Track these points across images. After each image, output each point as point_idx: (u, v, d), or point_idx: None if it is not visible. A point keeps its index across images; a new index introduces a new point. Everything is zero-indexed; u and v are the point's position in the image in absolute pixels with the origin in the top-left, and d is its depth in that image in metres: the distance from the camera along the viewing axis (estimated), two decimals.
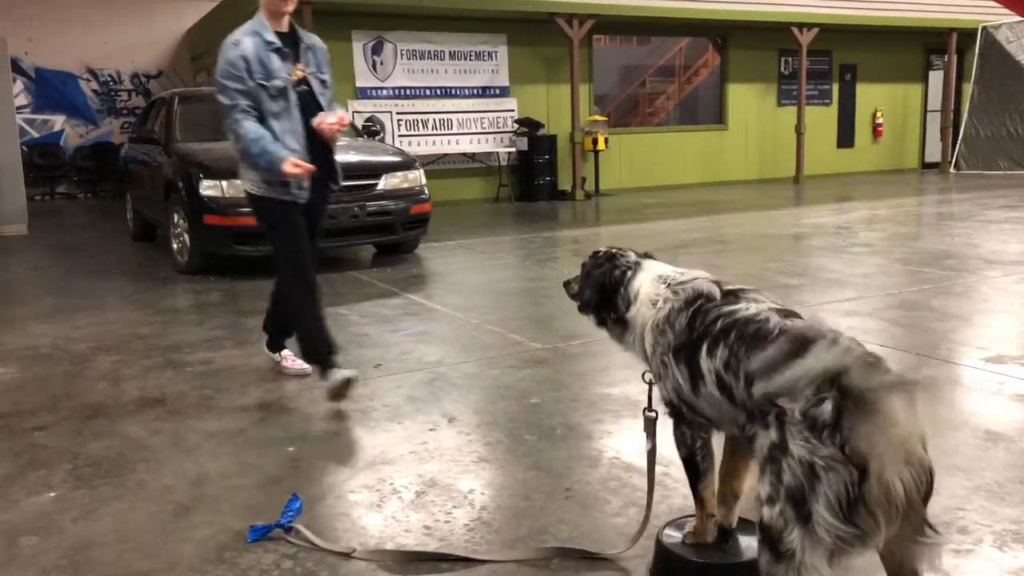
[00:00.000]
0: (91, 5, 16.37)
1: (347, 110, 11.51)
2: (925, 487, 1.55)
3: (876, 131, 17.70)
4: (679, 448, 2.10)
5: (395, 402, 3.63)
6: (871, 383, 1.48)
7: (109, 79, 17.04)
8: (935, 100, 17.82)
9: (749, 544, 2.06)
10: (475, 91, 13.41)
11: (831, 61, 16.84)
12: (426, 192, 7.68)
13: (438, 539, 2.43)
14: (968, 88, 16.98)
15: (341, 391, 3.54)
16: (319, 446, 3.21)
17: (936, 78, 17.93)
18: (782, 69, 16.41)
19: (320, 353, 3.65)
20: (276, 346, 4.13)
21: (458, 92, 13.28)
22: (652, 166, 15.18)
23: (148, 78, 17.34)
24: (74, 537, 2.49)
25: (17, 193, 10.55)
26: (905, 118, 18.05)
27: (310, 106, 3.58)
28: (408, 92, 12.92)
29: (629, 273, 2.15)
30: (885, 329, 4.66)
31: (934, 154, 17.93)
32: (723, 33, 15.68)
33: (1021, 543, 2.27)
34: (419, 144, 12.65)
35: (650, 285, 2.09)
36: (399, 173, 7.49)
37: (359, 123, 9.79)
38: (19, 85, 15.56)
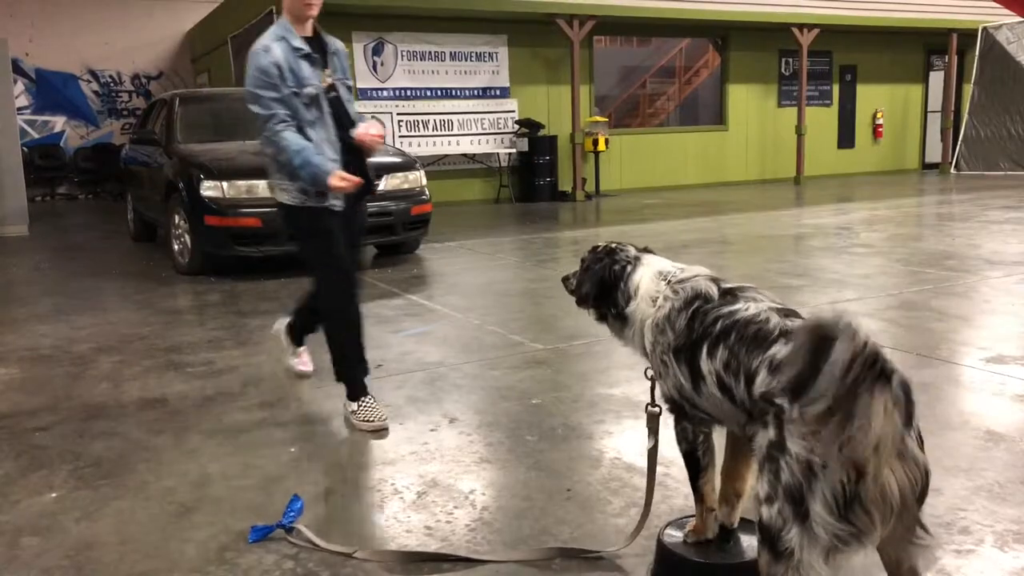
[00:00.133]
0: (92, 7, 16.39)
1: None
2: (920, 487, 1.56)
3: (876, 132, 17.71)
4: (680, 443, 2.10)
5: (396, 402, 3.63)
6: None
7: (110, 80, 17.06)
8: (935, 101, 17.83)
9: (750, 544, 2.07)
10: (476, 92, 13.42)
11: (831, 62, 16.84)
12: (427, 193, 7.69)
13: (439, 539, 2.43)
14: (968, 89, 16.97)
15: (368, 428, 3.34)
16: (320, 446, 3.21)
17: (936, 79, 17.94)
18: (782, 70, 16.42)
19: (356, 379, 3.45)
20: (300, 340, 3.92)
21: (459, 93, 13.29)
22: (652, 167, 15.19)
23: (149, 79, 17.37)
24: (75, 538, 2.49)
25: (18, 194, 10.57)
26: (905, 119, 18.05)
27: (340, 114, 3.41)
28: (409, 93, 12.93)
29: (629, 268, 2.15)
30: (886, 329, 4.66)
31: (934, 155, 17.93)
32: (723, 34, 15.69)
33: (1022, 543, 2.26)
34: (420, 145, 12.66)
35: (650, 281, 2.09)
36: (400, 174, 7.50)
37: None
38: (20, 86, 15.59)
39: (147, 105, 10.52)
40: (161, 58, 17.48)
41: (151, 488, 2.84)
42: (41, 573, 2.29)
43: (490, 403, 3.63)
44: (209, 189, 6.84)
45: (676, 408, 2.05)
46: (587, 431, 3.27)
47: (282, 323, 3.89)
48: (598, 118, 14.31)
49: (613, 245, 2.25)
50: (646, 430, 2.25)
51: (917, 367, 3.83)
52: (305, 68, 3.29)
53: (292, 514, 2.49)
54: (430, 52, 13.03)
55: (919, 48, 17.59)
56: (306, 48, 3.34)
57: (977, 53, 16.50)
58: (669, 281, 2.05)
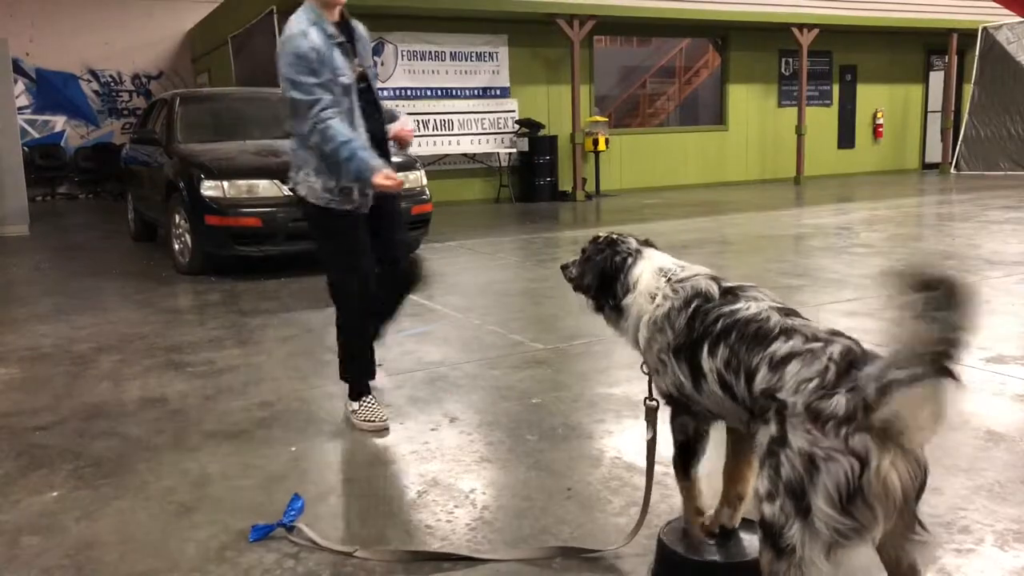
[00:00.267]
0: (92, 6, 16.39)
1: None
2: (919, 484, 1.56)
3: (876, 132, 17.71)
4: (676, 433, 2.10)
5: (397, 402, 3.63)
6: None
7: (110, 80, 17.07)
8: (935, 101, 17.83)
9: (751, 543, 2.07)
10: (476, 92, 13.42)
11: (831, 62, 16.84)
12: (427, 193, 7.69)
13: (440, 538, 2.43)
14: (968, 89, 16.98)
15: (369, 428, 3.31)
16: (321, 445, 3.21)
17: (936, 79, 17.94)
18: (782, 70, 16.42)
19: (361, 379, 3.42)
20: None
21: (459, 93, 13.29)
22: (653, 167, 15.19)
23: (149, 79, 17.37)
24: (76, 537, 2.49)
25: (18, 194, 10.57)
26: (905, 119, 18.05)
27: (369, 104, 3.27)
28: (409, 93, 12.93)
29: (630, 260, 2.16)
30: (886, 329, 4.66)
31: (934, 155, 17.94)
32: (723, 34, 15.69)
33: (1022, 543, 2.27)
34: (420, 145, 12.65)
35: (650, 277, 2.09)
36: (400, 174, 7.48)
37: None
38: (20, 86, 15.59)
39: (147, 105, 10.53)
40: (161, 58, 17.48)
41: (151, 487, 2.84)
42: (41, 572, 2.30)
43: (490, 403, 3.63)
44: (209, 189, 6.84)
45: (674, 403, 2.05)
46: (587, 430, 3.27)
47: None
48: (598, 118, 14.31)
49: (614, 236, 2.25)
50: (645, 424, 2.25)
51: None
52: (338, 57, 3.14)
53: (293, 513, 2.49)
54: (430, 52, 13.03)
55: (919, 48, 17.59)
56: (339, 36, 3.18)
57: (977, 53, 16.50)
58: (669, 279, 2.04)
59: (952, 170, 16.75)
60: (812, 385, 1.58)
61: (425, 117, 12.97)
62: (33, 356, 4.67)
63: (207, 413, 3.61)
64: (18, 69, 14.92)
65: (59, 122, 16.75)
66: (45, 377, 4.25)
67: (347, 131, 3.06)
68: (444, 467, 2.94)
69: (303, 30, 3.07)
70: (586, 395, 3.70)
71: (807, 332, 1.71)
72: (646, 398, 2.20)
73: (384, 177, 3.02)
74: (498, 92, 13.63)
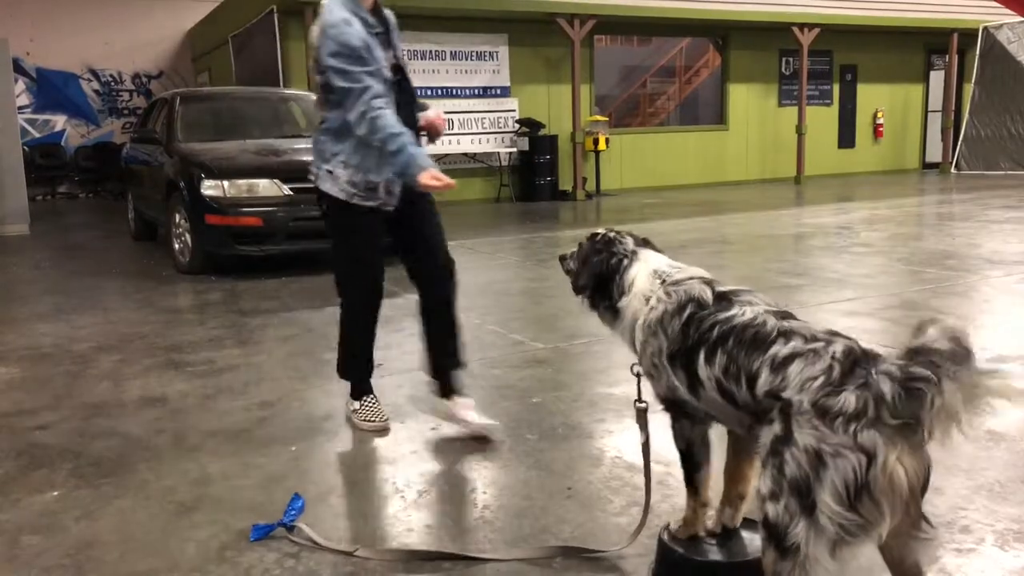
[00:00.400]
0: (92, 6, 16.40)
1: None
2: (924, 480, 1.57)
3: (877, 131, 17.71)
4: (677, 441, 2.10)
5: (397, 401, 3.63)
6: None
7: (110, 79, 17.07)
8: (936, 100, 17.83)
9: (752, 542, 2.07)
10: (476, 91, 13.42)
11: (832, 61, 16.84)
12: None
13: (440, 538, 2.43)
14: (969, 88, 16.98)
15: (369, 428, 3.29)
16: (321, 445, 3.21)
17: (937, 78, 17.94)
18: (783, 69, 16.41)
19: (361, 379, 3.40)
20: (448, 389, 3.31)
21: (459, 92, 13.29)
22: (653, 166, 15.19)
23: (149, 78, 17.38)
24: (76, 536, 2.49)
25: (19, 193, 10.57)
26: (906, 118, 18.05)
27: (404, 96, 3.11)
28: None
29: (625, 262, 2.16)
30: (886, 329, 4.66)
31: (935, 154, 17.94)
32: (724, 33, 15.69)
33: (1023, 542, 2.27)
34: (420, 144, 12.64)
35: (645, 279, 2.09)
36: None
37: None
38: (21, 85, 15.59)
39: (148, 104, 10.53)
40: (162, 57, 17.48)
41: (152, 487, 2.84)
42: (41, 572, 2.30)
43: (491, 402, 3.63)
44: (210, 188, 6.84)
45: (671, 407, 2.05)
46: (588, 430, 3.27)
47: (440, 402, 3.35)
48: (598, 117, 14.31)
49: (611, 235, 2.25)
50: (637, 427, 2.25)
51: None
52: (378, 49, 2.99)
53: (293, 513, 2.49)
54: (430, 51, 13.03)
55: (920, 48, 17.59)
56: (379, 27, 3.05)
57: (978, 53, 16.50)
58: (664, 281, 2.05)
59: (952, 170, 16.75)
60: (818, 383, 1.59)
61: None
62: (33, 355, 4.67)
63: (207, 413, 3.61)
64: (18, 68, 14.93)
65: (59, 121, 16.76)
66: (45, 376, 4.25)
67: (397, 123, 2.91)
68: (444, 466, 2.94)
69: (346, 18, 2.92)
70: (586, 394, 3.70)
71: (806, 333, 1.71)
72: (635, 400, 2.21)
73: (431, 177, 2.86)
74: (498, 91, 13.63)
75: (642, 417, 2.21)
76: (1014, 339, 4.44)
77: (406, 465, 2.97)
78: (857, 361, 1.59)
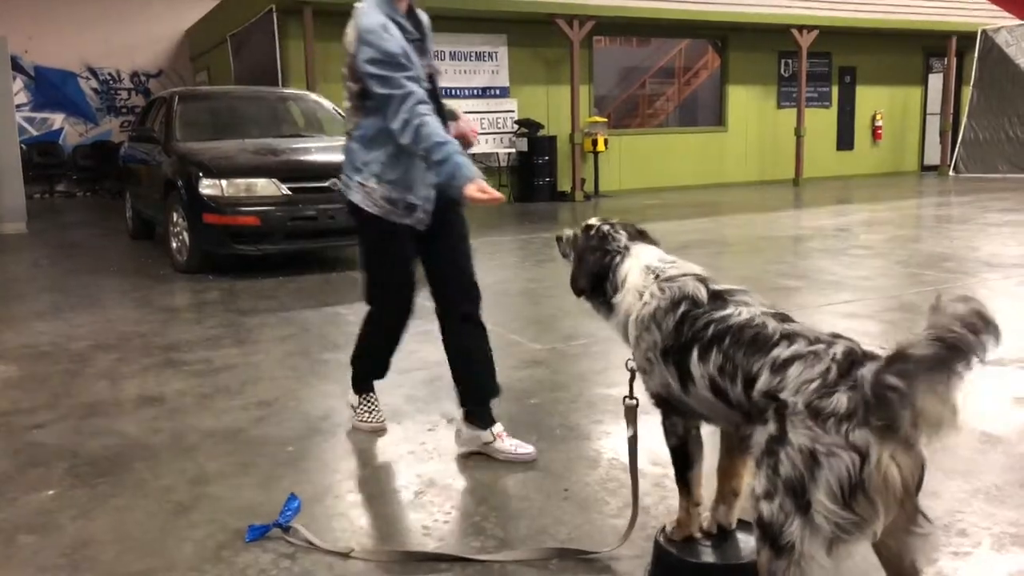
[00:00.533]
0: (91, 4, 16.37)
1: None
2: (918, 477, 1.58)
3: (875, 134, 17.72)
4: (668, 438, 2.11)
5: (394, 402, 3.63)
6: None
7: (109, 78, 17.05)
8: (934, 103, 17.85)
9: (747, 544, 2.07)
10: (475, 92, 13.41)
11: (831, 63, 16.85)
12: None
13: (436, 539, 2.43)
14: (967, 91, 17.00)
15: (365, 428, 3.27)
16: (318, 446, 3.21)
17: (935, 81, 17.96)
18: (782, 71, 16.43)
19: (367, 375, 3.31)
20: (484, 421, 3.04)
21: (458, 92, 13.27)
22: (652, 167, 15.19)
23: (148, 77, 17.36)
24: (72, 536, 2.49)
25: (16, 191, 10.56)
26: (904, 121, 18.07)
27: (434, 106, 2.90)
28: None
29: (618, 259, 2.17)
30: (885, 331, 4.66)
31: (933, 157, 17.95)
32: (723, 35, 15.70)
33: (1020, 545, 2.27)
34: None
35: (638, 275, 2.10)
36: None
37: None
38: (19, 83, 15.56)
39: (146, 103, 10.52)
40: (160, 56, 17.47)
41: (148, 486, 2.83)
42: (37, 571, 2.29)
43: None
44: (208, 187, 6.83)
45: (663, 403, 2.06)
46: (585, 431, 3.27)
47: (460, 425, 3.10)
48: (597, 118, 14.31)
49: (605, 230, 2.26)
50: (625, 423, 2.26)
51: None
52: (414, 55, 2.85)
53: (289, 513, 2.49)
54: None
55: (918, 50, 17.61)
56: (415, 33, 2.91)
57: (976, 56, 16.52)
58: (658, 276, 2.05)
59: (951, 172, 16.77)
60: (814, 385, 1.60)
61: None
62: (31, 354, 4.66)
63: (204, 412, 3.60)
64: (17, 66, 14.90)
65: (57, 120, 16.74)
66: (43, 375, 4.24)
67: (443, 131, 2.74)
68: (441, 467, 2.93)
69: (383, 23, 2.77)
70: (584, 396, 3.70)
71: (810, 335, 1.72)
72: (625, 396, 2.21)
73: (478, 189, 2.65)
74: (497, 92, 13.63)
75: (631, 413, 2.21)
76: (1012, 342, 4.44)
77: (403, 466, 2.97)
78: (855, 363, 1.60)
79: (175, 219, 7.33)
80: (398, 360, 4.26)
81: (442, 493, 2.73)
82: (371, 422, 3.28)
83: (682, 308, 1.94)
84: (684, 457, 2.11)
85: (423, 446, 3.13)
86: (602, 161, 14.26)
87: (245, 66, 13.37)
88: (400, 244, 2.96)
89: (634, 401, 2.19)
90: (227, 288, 6.52)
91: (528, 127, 13.40)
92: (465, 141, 3.05)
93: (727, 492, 2.14)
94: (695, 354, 1.87)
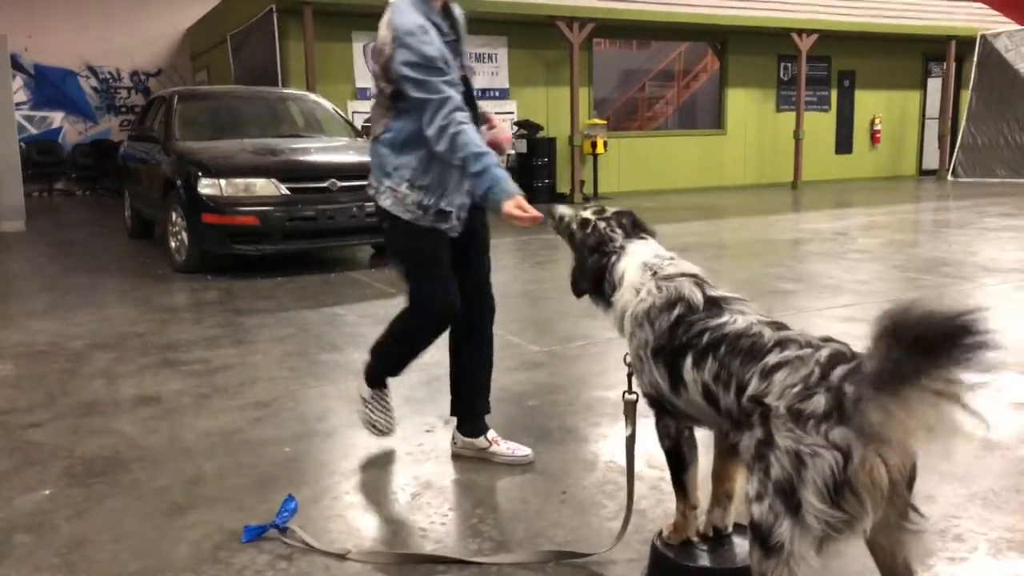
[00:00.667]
0: (91, 2, 16.37)
1: (347, 111, 11.51)
2: (908, 472, 1.60)
3: (874, 138, 17.74)
4: (662, 440, 2.11)
5: (392, 403, 3.62)
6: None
7: (109, 76, 17.04)
8: (933, 107, 17.87)
9: (743, 548, 2.06)
10: (475, 93, 13.36)
11: (830, 67, 16.87)
12: None
13: (434, 541, 2.42)
14: (966, 96, 17.02)
15: (372, 432, 3.09)
16: (315, 447, 3.20)
17: (934, 85, 17.98)
18: (781, 75, 16.44)
19: (384, 369, 3.08)
20: (477, 431, 3.03)
21: None
22: (651, 170, 15.20)
23: (148, 76, 17.35)
24: (68, 535, 2.48)
25: (15, 190, 10.55)
26: (903, 125, 18.09)
27: (468, 108, 2.78)
28: None
29: (614, 259, 2.17)
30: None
31: (932, 161, 17.97)
32: (723, 38, 15.71)
33: (1016, 551, 2.27)
34: None
35: (635, 272, 2.10)
36: None
37: (358, 124, 9.80)
38: (18, 81, 15.55)
39: (146, 102, 10.52)
40: (160, 55, 17.46)
41: (144, 486, 2.83)
42: (33, 571, 2.29)
43: None
44: (207, 187, 6.83)
45: (655, 404, 2.06)
46: (583, 434, 3.27)
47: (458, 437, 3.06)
48: (597, 120, 14.31)
49: (602, 227, 2.23)
50: (624, 420, 2.25)
51: None
52: (451, 58, 2.73)
53: (286, 514, 2.48)
54: None
55: (917, 55, 17.63)
56: (451, 34, 2.77)
57: (975, 60, 16.54)
58: (655, 273, 2.06)
59: (949, 177, 16.79)
60: (796, 389, 1.62)
61: None
62: (28, 352, 4.66)
63: (201, 412, 3.60)
64: (16, 64, 14.88)
65: (57, 118, 16.72)
66: (39, 374, 4.24)
67: (480, 141, 2.63)
68: (439, 469, 2.93)
69: (421, 25, 2.63)
70: (582, 398, 3.69)
71: (801, 340, 1.73)
72: (624, 392, 2.21)
73: (516, 206, 2.50)
74: (497, 94, 13.63)
75: (630, 409, 2.22)
76: (1010, 346, 4.45)
77: (400, 467, 2.97)
78: (836, 364, 1.61)
79: (174, 218, 7.32)
80: None
81: (439, 495, 2.73)
82: (377, 427, 3.06)
83: (677, 311, 1.95)
84: (678, 459, 2.12)
85: (420, 447, 3.13)
86: (601, 163, 14.26)
87: (245, 66, 13.37)
88: (435, 243, 2.82)
89: (633, 396, 2.19)
90: (225, 288, 6.52)
91: (527, 129, 13.39)
92: (498, 148, 2.94)
93: (721, 495, 2.15)
94: (689, 360, 1.88)
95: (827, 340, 1.72)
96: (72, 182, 16.74)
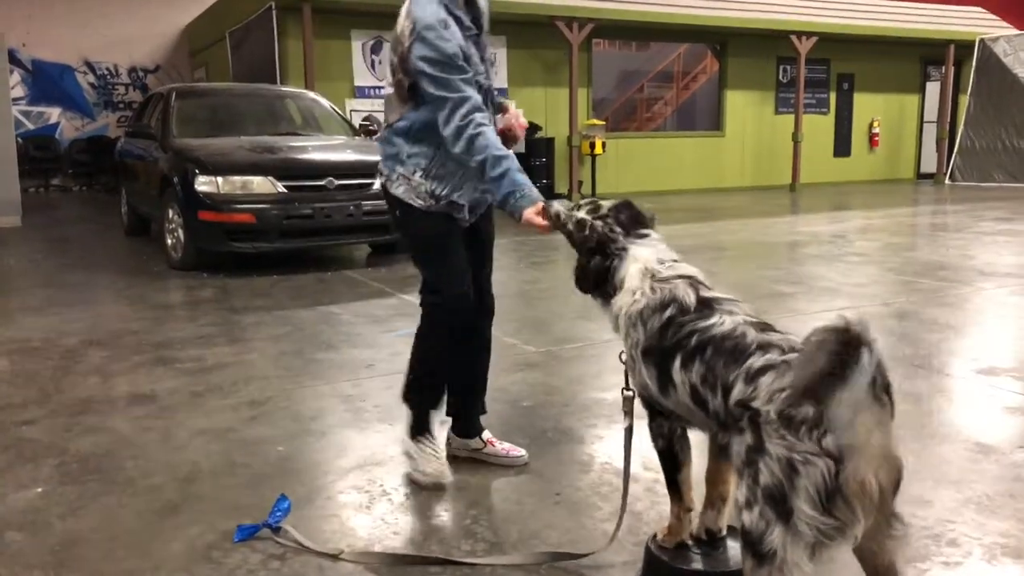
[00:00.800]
0: None
1: (345, 109, 11.50)
2: (895, 480, 1.60)
3: (872, 141, 17.77)
4: (655, 440, 2.11)
5: (386, 403, 3.61)
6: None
7: (106, 72, 17.01)
8: (931, 111, 17.90)
9: (738, 552, 2.06)
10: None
11: (829, 70, 16.89)
12: None
13: (427, 542, 2.41)
14: (964, 100, 17.05)
15: (424, 481, 2.79)
16: (309, 446, 3.20)
17: (933, 89, 18.01)
18: (780, 77, 16.46)
19: (425, 410, 2.88)
20: (471, 431, 3.00)
21: None
22: (649, 171, 15.21)
23: (146, 72, 17.32)
24: (60, 533, 2.47)
25: (11, 185, 10.52)
26: (901, 128, 18.12)
27: (485, 103, 2.69)
28: None
29: (616, 261, 2.14)
30: (878, 339, 4.66)
31: (929, 165, 18.00)
32: (722, 40, 15.72)
33: (1010, 556, 2.26)
34: None
35: (634, 276, 2.09)
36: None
37: (357, 122, 9.78)
38: (16, 76, 15.51)
39: (143, 99, 10.50)
40: (158, 51, 17.43)
41: (138, 485, 2.82)
42: (24, 568, 2.27)
43: None
44: (204, 184, 6.82)
45: (647, 404, 2.07)
46: (578, 435, 3.26)
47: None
48: (595, 121, 14.31)
49: (600, 227, 2.19)
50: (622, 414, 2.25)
51: (909, 377, 3.83)
52: (473, 51, 2.64)
53: (279, 514, 2.47)
54: None
55: (916, 58, 17.66)
56: (472, 28, 2.66)
57: (974, 65, 16.58)
58: (654, 276, 2.05)
59: (946, 181, 16.82)
60: (785, 394, 1.62)
61: None
62: (22, 349, 4.64)
63: (196, 411, 3.59)
64: (14, 59, 14.85)
65: (54, 114, 16.69)
66: (33, 371, 4.22)
67: (500, 144, 2.54)
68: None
69: (443, 19, 2.54)
70: (578, 399, 3.69)
71: (784, 345, 1.74)
72: (623, 388, 2.21)
73: (537, 214, 2.41)
74: (496, 93, 13.58)
75: (628, 404, 2.21)
76: (1005, 351, 4.45)
77: (394, 468, 2.96)
78: None
79: (170, 216, 7.31)
80: (387, 362, 4.27)
81: (433, 495, 2.72)
82: (429, 474, 2.78)
83: (669, 312, 1.95)
84: (672, 458, 2.11)
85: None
86: (599, 164, 14.26)
87: (243, 63, 13.36)
88: (449, 231, 2.75)
89: (631, 392, 2.19)
90: (221, 286, 6.50)
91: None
92: (512, 137, 2.87)
93: (715, 497, 2.15)
94: (678, 361, 1.89)
95: None
96: (68, 178, 16.71)
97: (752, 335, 1.79)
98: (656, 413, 2.07)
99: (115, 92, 17.14)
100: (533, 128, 13.40)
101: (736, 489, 1.72)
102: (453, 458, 3.00)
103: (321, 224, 6.95)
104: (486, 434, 3.00)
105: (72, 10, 16.22)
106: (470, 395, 3.01)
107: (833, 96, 17.15)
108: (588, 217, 2.24)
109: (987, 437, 3.14)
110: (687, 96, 21.43)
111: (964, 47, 16.69)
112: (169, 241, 7.37)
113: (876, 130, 17.71)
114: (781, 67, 16.34)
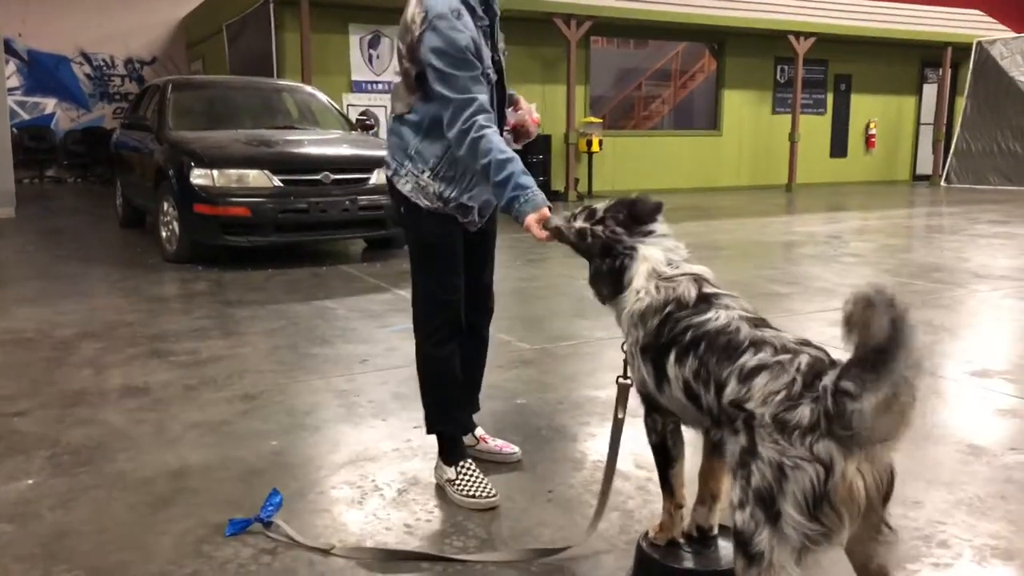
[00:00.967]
0: None
1: (341, 104, 11.47)
2: (885, 488, 1.61)
3: (869, 142, 17.80)
4: (649, 435, 2.12)
5: (380, 398, 3.61)
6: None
7: (103, 64, 16.94)
8: (928, 113, 17.93)
9: (729, 551, 2.06)
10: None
11: (826, 71, 16.91)
12: None
13: (419, 538, 2.41)
14: (961, 102, 17.09)
15: (475, 506, 2.61)
16: (302, 441, 3.19)
17: (930, 91, 18.04)
18: (778, 77, 16.47)
19: (448, 434, 2.77)
20: (465, 428, 2.92)
21: None
22: (646, 169, 15.20)
23: (142, 64, 17.25)
24: (50, 526, 2.46)
25: (6, 175, 10.48)
26: (898, 130, 18.15)
27: (498, 96, 2.64)
28: None
29: (626, 260, 2.12)
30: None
31: (925, 167, 18.04)
32: (720, 39, 15.72)
33: (1001, 558, 2.27)
34: None
35: (640, 277, 2.08)
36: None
37: (353, 117, 9.76)
38: (11, 67, 15.44)
39: (140, 90, 10.45)
40: (155, 43, 17.35)
41: (129, 477, 2.81)
42: (14, 560, 2.27)
43: None
44: (199, 177, 6.79)
45: (645, 400, 2.07)
46: (571, 433, 3.26)
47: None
48: (593, 119, 14.31)
49: (601, 232, 2.17)
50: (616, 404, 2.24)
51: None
52: (484, 47, 2.55)
53: (271, 508, 2.47)
54: None
55: (914, 60, 17.69)
56: (485, 18, 2.57)
57: (971, 67, 16.60)
58: (660, 276, 2.05)
59: (942, 183, 16.85)
60: (779, 397, 1.62)
61: None
62: (14, 340, 4.62)
63: (189, 404, 3.58)
64: (9, 50, 14.79)
65: (50, 104, 16.61)
66: (25, 362, 4.21)
67: (505, 146, 2.44)
68: (425, 465, 2.91)
69: (456, 9, 2.43)
70: (572, 397, 3.69)
71: (776, 343, 1.73)
72: (619, 377, 2.20)
73: (540, 220, 2.32)
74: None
75: (623, 392, 2.21)
76: (999, 353, 4.46)
77: (387, 463, 2.96)
78: (819, 373, 1.61)
79: (165, 208, 7.28)
80: (382, 357, 4.27)
81: (426, 491, 2.72)
82: (478, 497, 2.61)
83: (667, 309, 1.95)
84: (664, 453, 2.12)
85: (408, 443, 3.12)
86: (596, 162, 14.26)
87: (240, 56, 13.31)
88: (453, 239, 2.67)
89: (628, 381, 2.18)
90: (216, 279, 6.49)
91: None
92: (523, 134, 2.80)
93: (707, 494, 2.16)
94: (672, 356, 1.89)
95: (803, 344, 1.72)
96: (63, 169, 16.64)
97: (746, 331, 1.79)
98: (652, 408, 2.07)
99: (111, 83, 17.07)
100: None
101: (730, 488, 1.73)
102: None
103: (316, 218, 6.93)
104: (479, 430, 3.00)
105: (69, 1, 16.15)
106: (464, 392, 2.97)
107: (830, 97, 17.17)
108: (586, 224, 2.20)
109: (979, 439, 3.15)
110: (684, 95, 21.43)
111: (961, 49, 16.73)
112: (164, 234, 7.35)
113: (873, 131, 17.74)
114: (779, 67, 16.35)
